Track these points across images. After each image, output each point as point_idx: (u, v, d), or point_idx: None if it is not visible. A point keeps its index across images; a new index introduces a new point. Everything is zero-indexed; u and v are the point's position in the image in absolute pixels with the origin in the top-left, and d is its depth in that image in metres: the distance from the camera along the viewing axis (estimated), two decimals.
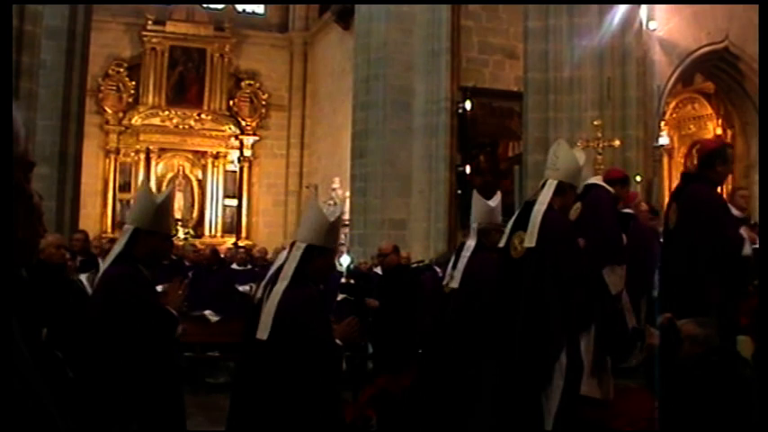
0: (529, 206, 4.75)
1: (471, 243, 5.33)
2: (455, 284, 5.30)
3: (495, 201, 5.50)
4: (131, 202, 4.84)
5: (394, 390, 6.11)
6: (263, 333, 3.68)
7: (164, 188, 20.33)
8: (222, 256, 11.90)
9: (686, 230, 4.74)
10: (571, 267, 4.48)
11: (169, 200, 4.16)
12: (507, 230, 4.83)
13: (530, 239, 4.50)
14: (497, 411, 4.72)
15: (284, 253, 4.72)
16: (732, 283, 4.60)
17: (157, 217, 3.86)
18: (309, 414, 3.63)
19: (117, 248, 3.86)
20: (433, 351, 5.85)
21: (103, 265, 3.98)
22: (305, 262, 3.79)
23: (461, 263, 5.30)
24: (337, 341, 3.76)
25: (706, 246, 4.62)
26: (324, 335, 3.72)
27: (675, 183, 13.26)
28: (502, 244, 4.84)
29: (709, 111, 12.89)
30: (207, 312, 9.36)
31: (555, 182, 4.66)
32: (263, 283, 4.69)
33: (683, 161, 13.40)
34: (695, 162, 5.17)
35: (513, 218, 4.83)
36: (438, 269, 8.00)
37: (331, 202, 18.14)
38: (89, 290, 6.90)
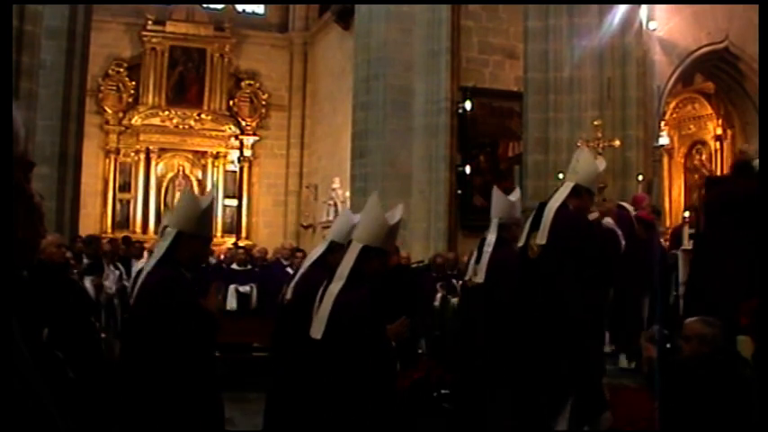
0: (544, 207, 4.83)
1: (492, 238, 5.38)
2: (479, 279, 5.34)
3: (515, 196, 5.63)
4: (176, 203, 4.94)
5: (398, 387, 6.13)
6: (317, 332, 3.74)
7: (163, 188, 20.37)
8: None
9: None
10: (585, 265, 4.52)
11: (212, 205, 4.18)
12: (525, 232, 4.89)
13: (541, 236, 4.55)
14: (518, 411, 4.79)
15: (318, 249, 4.91)
16: None
17: (201, 221, 3.88)
18: (363, 414, 3.66)
19: (159, 252, 3.86)
20: (459, 346, 5.85)
21: (146, 268, 4.00)
22: (361, 262, 3.81)
23: (484, 258, 5.35)
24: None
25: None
26: (378, 335, 3.76)
27: (676, 183, 13.29)
28: (520, 244, 4.94)
29: (709, 111, 12.89)
30: None
31: (572, 184, 4.73)
32: (293, 284, 4.81)
33: (682, 161, 13.41)
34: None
35: (530, 219, 4.91)
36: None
37: (330, 202, 18.16)
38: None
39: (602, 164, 5.17)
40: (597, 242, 4.76)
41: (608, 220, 5.23)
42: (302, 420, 3.91)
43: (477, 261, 5.43)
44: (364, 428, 3.68)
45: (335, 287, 3.79)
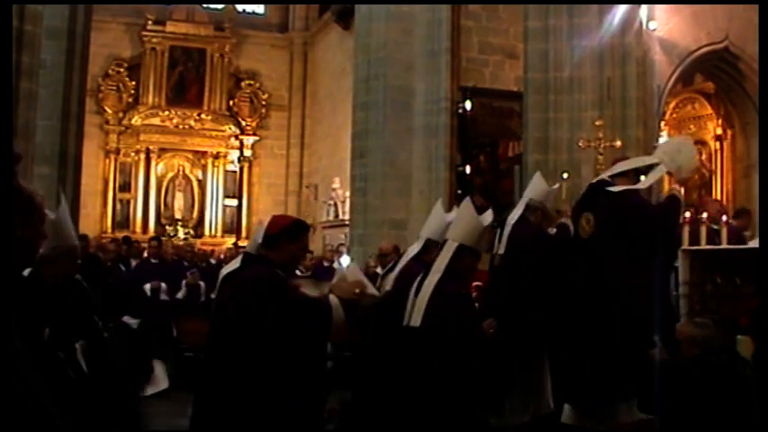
0: (593, 188, 5.02)
1: (517, 213, 5.76)
2: (501, 250, 5.65)
3: (556, 186, 6.04)
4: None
5: None
6: (416, 320, 4.09)
7: (163, 188, 20.37)
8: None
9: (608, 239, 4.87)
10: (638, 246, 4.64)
11: None
12: (571, 212, 5.15)
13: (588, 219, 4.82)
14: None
15: (414, 247, 5.26)
16: None
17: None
18: (457, 398, 3.96)
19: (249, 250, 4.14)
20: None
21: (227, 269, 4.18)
22: (455, 260, 4.16)
23: (506, 230, 5.70)
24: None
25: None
26: (470, 328, 4.11)
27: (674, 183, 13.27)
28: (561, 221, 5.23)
29: (709, 111, 12.88)
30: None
31: (625, 167, 4.96)
32: (394, 277, 5.14)
33: None
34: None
35: (579, 200, 5.17)
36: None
37: (330, 202, 18.16)
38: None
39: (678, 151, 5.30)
40: (652, 221, 4.89)
41: (675, 187, 5.43)
42: (397, 406, 4.20)
43: (500, 238, 5.66)
44: (458, 413, 3.96)
45: (433, 279, 4.15)
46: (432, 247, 4.93)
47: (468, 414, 4.03)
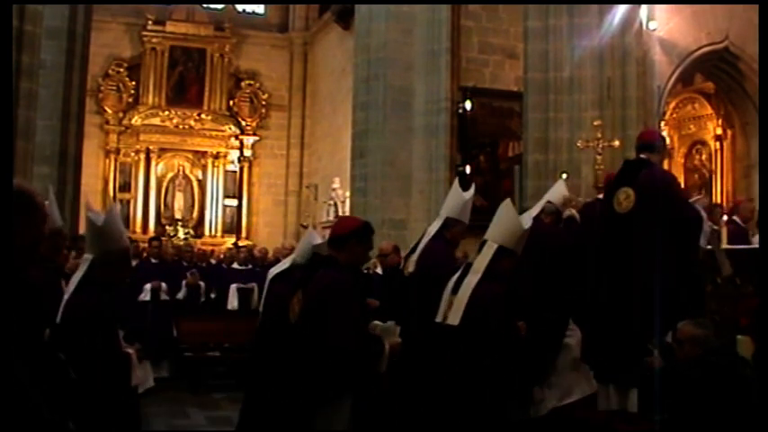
0: (629, 164, 5.08)
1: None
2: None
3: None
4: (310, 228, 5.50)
5: None
6: (454, 319, 4.16)
7: (163, 188, 20.37)
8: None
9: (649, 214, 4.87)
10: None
11: None
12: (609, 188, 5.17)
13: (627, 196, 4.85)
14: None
15: (434, 225, 5.33)
16: None
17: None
18: (486, 398, 4.05)
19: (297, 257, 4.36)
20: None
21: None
22: (495, 261, 4.22)
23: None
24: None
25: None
26: (508, 328, 4.19)
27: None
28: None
29: (709, 111, 12.88)
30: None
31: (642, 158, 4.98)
32: (416, 257, 5.24)
33: (683, 161, 13.41)
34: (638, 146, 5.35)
35: (617, 175, 5.20)
36: None
37: (330, 202, 18.16)
38: None
39: None
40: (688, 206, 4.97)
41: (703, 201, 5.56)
42: (434, 399, 4.31)
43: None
44: (492, 411, 4.05)
45: (473, 279, 4.21)
46: (451, 225, 5.00)
47: (500, 411, 4.12)
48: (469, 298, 4.14)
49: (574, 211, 5.96)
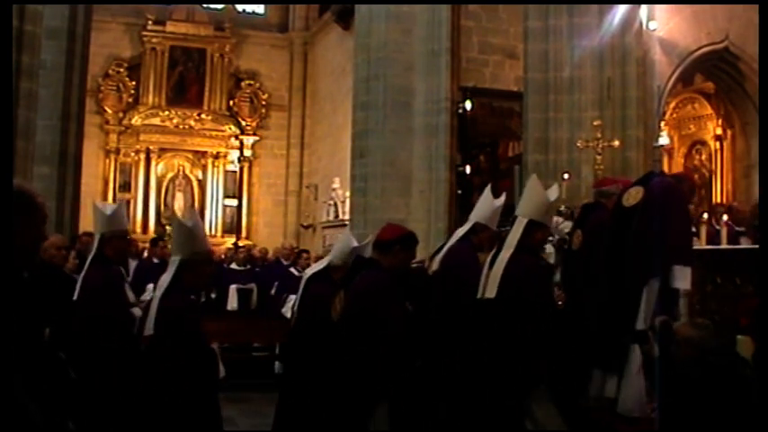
0: (651, 173, 5.26)
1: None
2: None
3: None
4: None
5: None
6: (491, 292, 4.32)
7: (163, 188, 20.38)
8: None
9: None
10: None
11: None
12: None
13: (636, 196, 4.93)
14: None
15: (463, 228, 5.36)
16: None
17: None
18: (531, 366, 4.18)
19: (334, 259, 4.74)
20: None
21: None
22: (526, 235, 4.40)
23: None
24: None
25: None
26: (545, 299, 4.38)
27: None
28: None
29: (709, 111, 12.89)
30: None
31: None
32: (440, 257, 5.22)
33: (682, 161, 13.41)
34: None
35: (636, 180, 5.34)
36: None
37: (330, 202, 18.16)
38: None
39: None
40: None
41: None
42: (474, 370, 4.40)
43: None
44: (531, 382, 4.21)
45: (506, 254, 4.38)
46: (479, 230, 5.13)
47: (539, 384, 4.27)
48: (504, 271, 4.30)
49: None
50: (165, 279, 3.92)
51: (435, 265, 5.20)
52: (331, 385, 4.21)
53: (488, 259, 4.57)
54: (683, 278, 4.71)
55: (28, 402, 1.41)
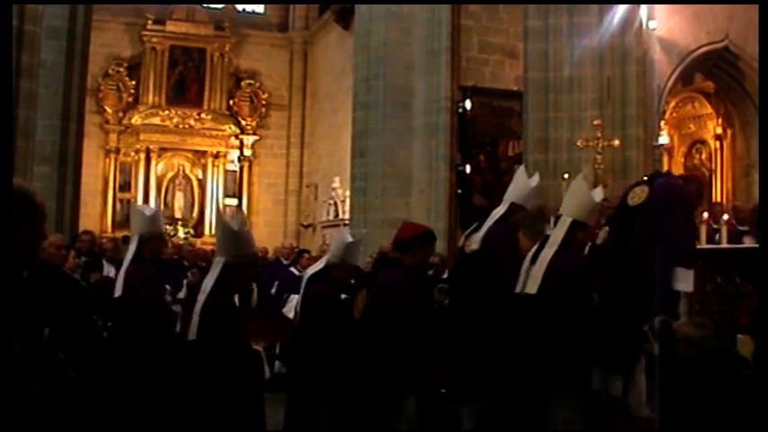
0: (657, 173, 5.44)
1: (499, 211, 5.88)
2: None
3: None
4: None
5: None
6: (532, 287, 4.46)
7: (163, 188, 20.38)
8: None
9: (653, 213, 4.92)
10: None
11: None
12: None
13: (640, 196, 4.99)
14: None
15: (499, 210, 5.38)
16: None
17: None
18: (571, 360, 4.27)
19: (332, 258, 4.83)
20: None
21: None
22: (570, 234, 4.55)
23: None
24: None
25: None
26: (585, 296, 4.46)
27: None
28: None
29: (709, 110, 12.88)
30: None
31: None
32: (480, 237, 5.33)
33: (682, 160, 13.40)
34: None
35: (641, 180, 5.46)
36: None
37: (330, 202, 18.16)
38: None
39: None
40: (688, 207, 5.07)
41: None
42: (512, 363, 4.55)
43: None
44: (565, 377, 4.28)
45: (549, 251, 4.52)
46: (516, 210, 5.21)
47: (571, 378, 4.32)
48: (546, 268, 4.43)
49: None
50: (209, 282, 3.92)
51: (474, 245, 5.29)
52: (348, 382, 4.24)
53: (530, 255, 4.69)
54: (684, 280, 4.71)
55: (42, 397, 1.41)
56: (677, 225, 4.72)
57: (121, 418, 4.44)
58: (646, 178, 5.56)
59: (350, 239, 5.25)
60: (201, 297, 3.86)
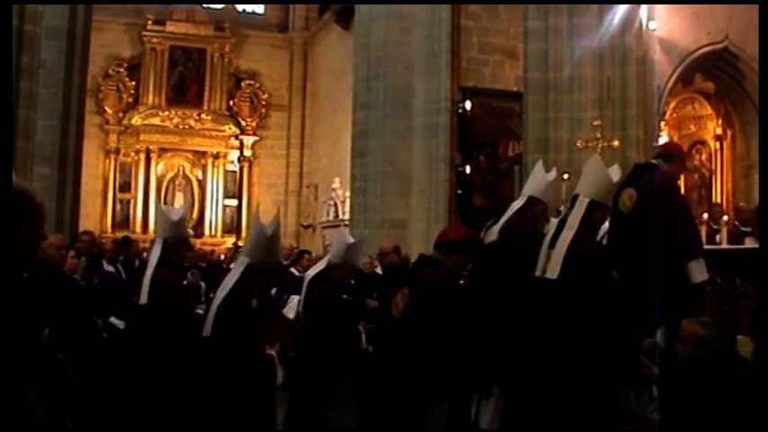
0: (639, 168, 5.20)
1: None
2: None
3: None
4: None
5: None
6: (553, 273, 4.43)
7: (163, 188, 20.38)
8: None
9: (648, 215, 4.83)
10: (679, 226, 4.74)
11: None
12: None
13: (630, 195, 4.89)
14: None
15: (518, 202, 5.41)
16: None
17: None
18: (591, 345, 4.27)
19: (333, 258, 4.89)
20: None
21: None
22: (588, 215, 4.51)
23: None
24: None
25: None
26: (607, 280, 4.43)
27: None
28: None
29: (709, 111, 12.88)
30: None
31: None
32: (499, 228, 5.34)
33: None
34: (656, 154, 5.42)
35: (626, 177, 5.31)
36: None
37: (330, 202, 18.16)
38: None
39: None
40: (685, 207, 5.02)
41: None
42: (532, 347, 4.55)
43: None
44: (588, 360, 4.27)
45: (568, 234, 4.48)
46: (534, 203, 5.22)
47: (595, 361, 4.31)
48: (566, 252, 4.39)
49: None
50: (230, 281, 3.94)
51: (492, 236, 5.31)
52: (387, 381, 4.32)
53: (548, 238, 4.65)
54: (700, 271, 4.68)
55: (36, 403, 1.40)
56: (676, 223, 4.69)
57: (133, 418, 4.46)
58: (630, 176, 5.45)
59: (351, 240, 5.25)
60: (220, 294, 3.87)
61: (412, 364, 4.00)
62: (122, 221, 19.78)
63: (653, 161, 5.18)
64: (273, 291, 10.43)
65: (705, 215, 6.67)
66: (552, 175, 5.50)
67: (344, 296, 5.22)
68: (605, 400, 4.59)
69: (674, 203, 4.80)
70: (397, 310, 4.32)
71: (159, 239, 4.93)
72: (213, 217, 20.64)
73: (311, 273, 5.43)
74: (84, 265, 6.26)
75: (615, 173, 4.93)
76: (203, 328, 3.86)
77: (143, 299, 4.61)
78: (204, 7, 21.21)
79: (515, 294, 4.88)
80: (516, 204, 5.41)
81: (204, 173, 20.75)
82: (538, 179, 5.45)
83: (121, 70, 20.09)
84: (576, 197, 4.66)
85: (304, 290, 5.35)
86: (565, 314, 4.38)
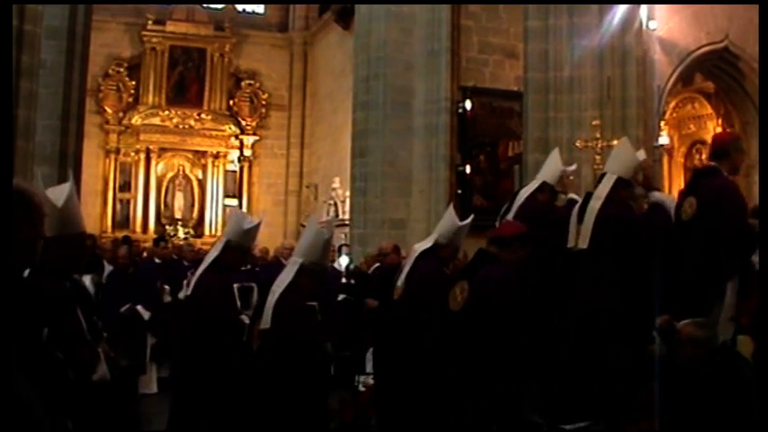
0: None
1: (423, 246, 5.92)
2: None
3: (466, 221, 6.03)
4: None
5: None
6: (584, 242, 4.74)
7: (163, 188, 20.38)
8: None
9: (707, 222, 4.72)
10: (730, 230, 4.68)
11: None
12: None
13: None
14: None
15: (530, 186, 5.82)
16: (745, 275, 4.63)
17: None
18: (624, 311, 4.45)
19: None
20: None
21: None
22: (614, 190, 4.82)
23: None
24: None
25: (730, 235, 4.64)
26: (637, 248, 4.62)
27: (676, 182, 13.30)
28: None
29: (709, 110, 12.89)
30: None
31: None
32: (515, 210, 5.63)
33: (682, 161, 13.41)
34: (709, 153, 5.15)
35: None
36: None
37: (330, 202, 18.16)
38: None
39: None
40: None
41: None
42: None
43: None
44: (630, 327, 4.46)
45: (596, 204, 4.79)
46: (546, 189, 5.62)
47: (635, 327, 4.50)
48: (595, 220, 4.69)
49: (574, 195, 6.11)
50: (285, 279, 4.02)
51: (510, 216, 5.46)
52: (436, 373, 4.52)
53: (575, 213, 4.91)
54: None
55: (33, 400, 1.40)
56: (733, 230, 4.59)
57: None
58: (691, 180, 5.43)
59: (460, 223, 5.53)
60: (277, 290, 3.95)
61: (495, 352, 4.10)
62: (122, 221, 19.79)
63: (711, 164, 4.90)
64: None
65: None
66: (572, 167, 6.09)
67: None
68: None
69: (733, 215, 4.69)
70: (455, 303, 4.44)
71: (223, 240, 4.97)
72: (213, 217, 20.64)
73: (419, 247, 5.54)
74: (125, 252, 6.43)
75: (641, 155, 5.27)
76: (252, 331, 3.96)
77: (184, 294, 4.65)
78: (204, 7, 21.21)
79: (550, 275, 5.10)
80: (527, 190, 5.67)
81: (204, 173, 20.75)
82: (552, 167, 5.76)
83: (121, 70, 20.10)
84: (603, 174, 5.00)
85: (410, 263, 5.43)
86: (596, 282, 4.58)
